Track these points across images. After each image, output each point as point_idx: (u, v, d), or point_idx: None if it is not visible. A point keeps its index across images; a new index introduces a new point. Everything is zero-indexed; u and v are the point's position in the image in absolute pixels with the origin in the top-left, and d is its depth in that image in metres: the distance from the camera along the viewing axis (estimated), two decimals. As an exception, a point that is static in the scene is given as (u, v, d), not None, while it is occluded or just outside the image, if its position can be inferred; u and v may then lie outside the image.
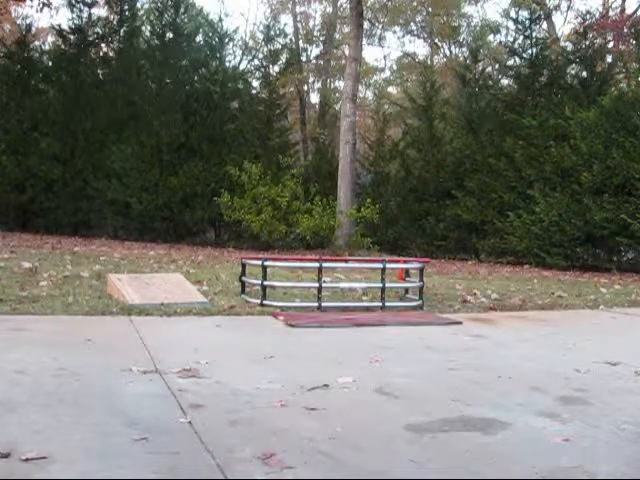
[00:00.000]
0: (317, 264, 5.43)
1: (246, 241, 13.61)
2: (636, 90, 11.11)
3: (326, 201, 12.55)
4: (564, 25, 25.49)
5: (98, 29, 15.71)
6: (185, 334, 4.10)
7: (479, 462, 2.06)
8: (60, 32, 15.53)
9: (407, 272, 6.04)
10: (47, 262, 7.60)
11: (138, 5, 16.68)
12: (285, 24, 24.06)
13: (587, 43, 12.94)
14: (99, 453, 2.01)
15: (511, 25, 14.25)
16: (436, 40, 25.96)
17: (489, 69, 16.44)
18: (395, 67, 28.88)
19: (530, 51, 13.06)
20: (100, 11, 16.69)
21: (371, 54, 47.38)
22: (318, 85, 25.54)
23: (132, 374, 2.96)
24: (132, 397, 2.63)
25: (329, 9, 24.91)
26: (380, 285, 5.52)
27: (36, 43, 17.05)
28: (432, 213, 13.36)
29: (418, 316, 5.17)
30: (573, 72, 13.08)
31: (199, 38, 16.47)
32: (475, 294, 6.36)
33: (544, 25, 16.90)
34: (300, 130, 21.43)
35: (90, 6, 15.51)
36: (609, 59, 14.69)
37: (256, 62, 17.99)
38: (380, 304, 5.44)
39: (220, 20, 16.12)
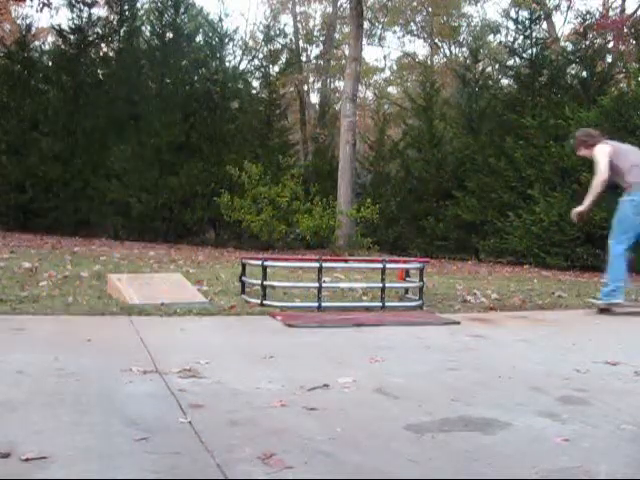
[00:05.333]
0: (317, 264, 5.43)
1: (246, 241, 13.61)
2: (636, 90, 11.11)
3: (326, 201, 12.55)
4: (564, 25, 25.48)
5: (98, 29, 15.72)
6: (185, 334, 4.10)
7: (479, 462, 2.06)
8: (60, 32, 15.53)
9: (407, 272, 6.04)
10: (47, 262, 7.60)
11: (138, 5, 16.69)
12: (285, 24, 24.11)
13: (587, 43, 12.93)
14: (99, 453, 2.01)
15: (511, 25, 14.28)
16: (436, 40, 25.97)
17: (489, 69, 16.45)
18: (395, 67, 28.90)
19: (530, 51, 13.05)
20: (100, 11, 16.71)
21: (371, 54, 47.40)
22: (318, 85, 25.57)
23: (132, 374, 2.96)
24: (132, 397, 2.63)
25: (329, 9, 24.93)
26: (380, 285, 5.52)
27: (36, 43, 17.06)
28: (432, 213, 13.36)
29: (418, 316, 5.17)
30: (573, 72, 13.08)
31: (199, 38, 16.49)
32: (475, 294, 6.36)
33: (544, 25, 16.88)
34: (300, 130, 21.44)
35: (90, 6, 15.51)
36: (609, 59, 14.69)
37: (256, 62, 18.02)
38: (380, 304, 5.44)
39: (220, 20, 16.16)
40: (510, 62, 14.32)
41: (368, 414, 2.54)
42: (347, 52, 16.96)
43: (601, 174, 5.56)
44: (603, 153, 5.61)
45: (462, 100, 14.18)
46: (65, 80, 15.15)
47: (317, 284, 5.33)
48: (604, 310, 5.57)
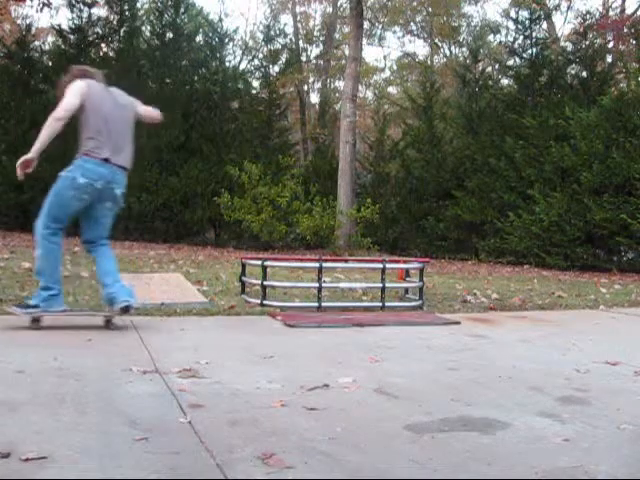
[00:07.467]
0: (317, 264, 5.43)
1: (246, 241, 13.61)
2: (636, 90, 11.12)
3: (326, 201, 12.55)
4: (564, 25, 25.53)
5: (98, 29, 15.71)
6: (185, 334, 4.09)
7: (479, 462, 2.06)
8: (60, 32, 15.52)
9: (407, 272, 6.04)
10: (47, 262, 7.57)
11: (138, 5, 16.69)
12: (285, 24, 24.16)
13: (587, 43, 12.95)
14: (99, 453, 2.01)
15: (511, 25, 14.32)
16: (436, 40, 25.98)
17: (489, 69, 16.46)
18: (395, 67, 28.91)
19: (530, 51, 13.07)
20: (100, 11, 16.70)
21: (371, 54, 47.41)
22: (318, 85, 25.59)
23: (132, 374, 2.96)
24: (132, 397, 2.63)
25: (329, 9, 24.96)
26: (380, 285, 5.52)
27: (36, 43, 17.03)
28: (432, 213, 13.36)
29: (418, 316, 5.17)
30: (573, 72, 13.10)
31: (199, 38, 16.50)
32: (475, 294, 6.36)
33: (544, 25, 16.88)
34: (300, 130, 21.45)
35: (90, 6, 15.50)
36: (609, 59, 14.70)
37: (256, 62, 18.04)
38: (380, 304, 5.44)
39: (220, 20, 16.25)
40: (510, 62, 14.35)
41: (368, 414, 2.54)
42: (347, 52, 16.97)
43: (61, 109, 4.23)
44: (77, 89, 4.31)
45: (462, 100, 14.19)
46: (65, 80, 15.13)
47: (317, 284, 5.33)
48: (36, 320, 3.97)
